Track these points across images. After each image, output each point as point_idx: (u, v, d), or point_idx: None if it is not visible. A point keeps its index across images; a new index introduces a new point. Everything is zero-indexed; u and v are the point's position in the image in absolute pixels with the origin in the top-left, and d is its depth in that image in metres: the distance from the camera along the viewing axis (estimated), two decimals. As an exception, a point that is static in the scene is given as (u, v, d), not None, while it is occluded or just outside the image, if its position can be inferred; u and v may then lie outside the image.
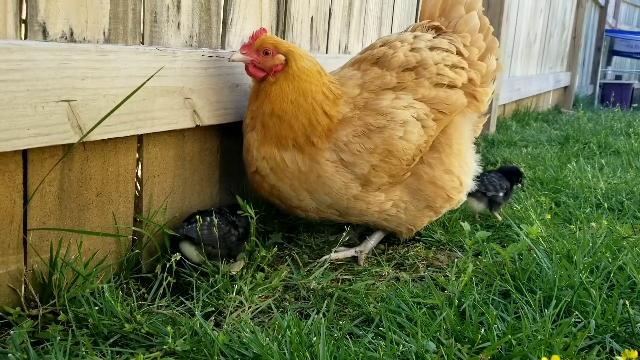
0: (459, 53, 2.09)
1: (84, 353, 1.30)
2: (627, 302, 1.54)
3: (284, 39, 2.33)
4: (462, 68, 2.07)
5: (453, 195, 2.07)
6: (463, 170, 2.09)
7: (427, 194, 2.03)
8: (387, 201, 1.99)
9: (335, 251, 2.06)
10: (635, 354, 1.26)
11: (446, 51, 2.06)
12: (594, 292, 1.64)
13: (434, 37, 2.10)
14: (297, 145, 1.86)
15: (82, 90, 1.44)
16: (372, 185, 1.94)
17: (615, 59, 13.40)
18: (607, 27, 11.58)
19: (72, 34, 1.45)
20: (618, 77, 13.61)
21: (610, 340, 1.48)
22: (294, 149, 1.87)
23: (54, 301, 1.49)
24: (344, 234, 2.07)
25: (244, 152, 1.95)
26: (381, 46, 2.06)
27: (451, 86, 2.03)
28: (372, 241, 2.14)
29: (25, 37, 1.37)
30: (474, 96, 2.11)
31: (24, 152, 1.42)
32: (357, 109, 1.93)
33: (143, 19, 1.66)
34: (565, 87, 9.35)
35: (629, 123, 6.24)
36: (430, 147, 2.01)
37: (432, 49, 2.04)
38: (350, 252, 2.08)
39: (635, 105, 10.90)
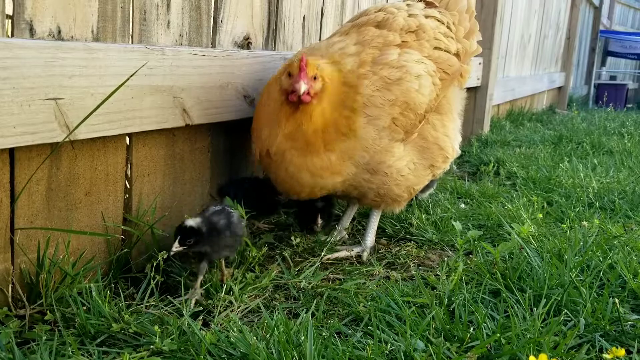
0: (448, 27, 2.19)
1: (70, 353, 1.29)
2: (617, 301, 1.54)
3: (275, 38, 2.33)
4: (453, 38, 2.18)
5: (450, 156, 2.17)
6: (456, 137, 2.21)
7: (432, 153, 2.10)
8: (404, 157, 2.01)
9: (336, 250, 2.09)
10: (622, 351, 1.26)
11: (438, 21, 2.16)
12: (584, 291, 1.64)
13: (425, 8, 2.20)
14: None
15: (70, 89, 1.43)
16: (393, 137, 1.96)
17: (609, 59, 13.44)
18: (601, 27, 11.61)
19: (59, 32, 1.44)
20: (612, 78, 13.64)
21: (600, 338, 1.48)
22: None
23: (41, 301, 1.48)
24: (335, 233, 2.07)
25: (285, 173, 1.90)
26: (377, 12, 2.12)
27: (446, 52, 2.14)
28: (370, 236, 2.16)
29: (12, 35, 1.36)
30: (460, 71, 2.20)
31: (11, 151, 1.41)
32: (367, 65, 1.92)
33: (132, 17, 1.65)
34: (560, 88, 9.36)
35: (623, 123, 6.26)
36: (434, 109, 2.10)
37: (427, 17, 2.13)
38: (352, 252, 2.08)
39: (629, 105, 10.94)
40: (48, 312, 1.45)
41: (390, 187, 2.03)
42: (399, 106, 1.93)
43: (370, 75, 1.91)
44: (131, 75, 1.56)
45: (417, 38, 2.07)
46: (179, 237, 1.61)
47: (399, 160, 1.99)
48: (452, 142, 2.17)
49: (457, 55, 2.18)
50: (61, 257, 1.55)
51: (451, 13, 2.24)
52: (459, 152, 2.29)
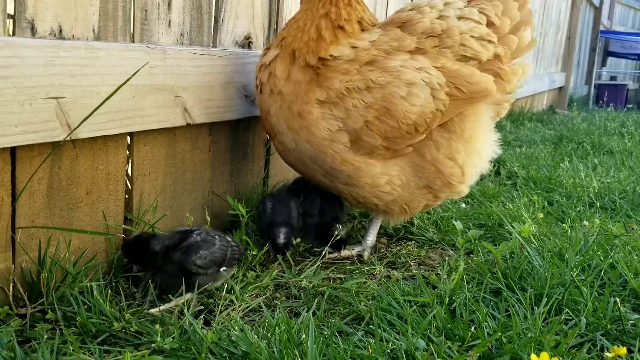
0: (490, 24, 1.92)
1: (71, 351, 1.29)
2: (618, 300, 1.54)
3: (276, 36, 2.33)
4: (490, 41, 1.91)
5: (453, 182, 1.95)
6: (469, 160, 1.95)
7: (428, 173, 1.93)
8: (382, 175, 1.89)
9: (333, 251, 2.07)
10: (624, 350, 1.26)
11: (476, 22, 1.91)
12: (585, 290, 1.64)
13: (465, 6, 1.95)
14: (303, 61, 1.83)
15: (71, 88, 1.43)
16: (363, 145, 1.84)
17: (610, 59, 13.44)
18: (601, 28, 11.61)
19: (61, 31, 1.44)
20: (613, 78, 13.64)
21: (601, 338, 1.48)
22: (300, 65, 1.83)
23: (42, 300, 1.48)
24: (335, 232, 2.07)
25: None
26: (410, 10, 1.94)
27: (475, 60, 1.90)
28: (371, 236, 2.14)
29: (14, 34, 1.36)
30: (499, 75, 1.93)
31: (12, 150, 1.41)
32: (358, 63, 1.82)
33: (133, 17, 1.65)
34: (560, 88, 9.37)
35: (623, 123, 6.26)
36: (441, 126, 1.90)
37: (460, 18, 1.90)
38: (353, 251, 2.09)
39: (629, 105, 10.94)
40: (49, 311, 1.45)
41: (368, 198, 1.96)
42: (376, 110, 1.81)
43: (352, 72, 1.82)
44: (133, 74, 1.56)
45: (439, 44, 1.87)
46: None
47: (374, 177, 1.90)
48: (457, 167, 1.93)
49: (496, 57, 1.92)
50: (62, 256, 1.55)
51: (493, 4, 1.94)
52: (472, 179, 2.03)
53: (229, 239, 1.72)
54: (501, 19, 1.93)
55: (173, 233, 1.68)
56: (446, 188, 1.98)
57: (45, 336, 1.32)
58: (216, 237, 1.67)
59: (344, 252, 2.06)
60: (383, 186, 1.92)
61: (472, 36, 1.89)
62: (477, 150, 1.97)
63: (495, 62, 1.93)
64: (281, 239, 1.90)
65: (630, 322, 1.54)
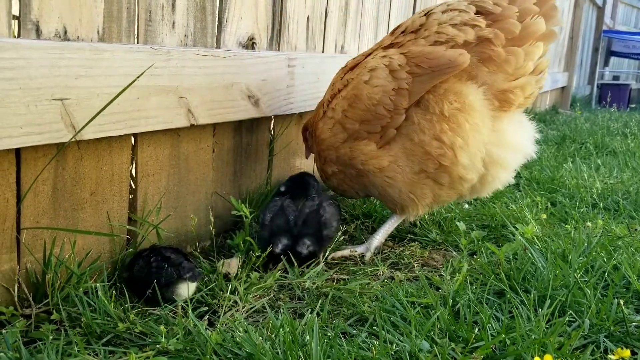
0: (484, 12, 1.92)
1: (77, 352, 1.29)
2: (621, 302, 1.54)
3: (279, 38, 2.33)
4: (474, 26, 1.90)
5: (444, 162, 1.93)
6: (458, 141, 1.91)
7: (418, 156, 1.96)
8: (384, 156, 1.99)
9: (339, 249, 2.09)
10: (628, 352, 1.26)
11: (460, 11, 1.93)
12: (589, 292, 1.64)
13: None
14: None
15: (76, 89, 1.43)
16: (350, 133, 2.04)
17: (613, 59, 13.42)
18: (604, 27, 11.59)
19: (65, 32, 1.45)
20: (616, 78, 13.62)
21: (605, 339, 1.48)
22: None
23: (47, 300, 1.48)
24: (339, 233, 2.07)
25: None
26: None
27: (450, 43, 1.90)
28: (378, 237, 2.13)
29: (19, 36, 1.36)
30: (490, 57, 1.90)
31: (17, 151, 1.41)
32: (344, 71, 2.12)
33: (137, 18, 1.66)
34: (563, 88, 9.36)
35: (626, 123, 6.25)
36: (421, 107, 1.93)
37: (444, 12, 1.96)
38: (356, 252, 2.09)
39: (632, 105, 10.93)
40: (54, 311, 1.45)
41: (383, 188, 2.05)
42: (348, 99, 2.02)
43: (337, 79, 2.12)
44: (139, 75, 1.56)
45: (415, 37, 1.96)
46: None
47: (378, 158, 2.01)
48: (446, 147, 1.91)
49: (484, 40, 1.89)
50: (67, 256, 1.56)
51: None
52: (469, 163, 1.94)
53: None
54: (502, 7, 1.91)
55: None
56: (442, 172, 1.97)
57: (51, 337, 1.33)
58: None
59: (346, 252, 2.06)
60: (387, 169, 2.00)
61: (451, 24, 1.92)
62: (467, 131, 1.91)
63: (484, 45, 1.91)
64: (279, 248, 1.91)
65: (634, 323, 1.54)
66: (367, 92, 1.97)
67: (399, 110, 1.94)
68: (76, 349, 1.30)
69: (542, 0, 1.93)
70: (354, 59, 2.15)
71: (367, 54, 2.08)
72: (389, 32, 2.13)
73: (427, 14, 1.99)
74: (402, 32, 2.03)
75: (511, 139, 2.00)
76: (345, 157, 2.08)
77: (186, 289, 1.60)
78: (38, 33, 1.39)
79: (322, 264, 1.93)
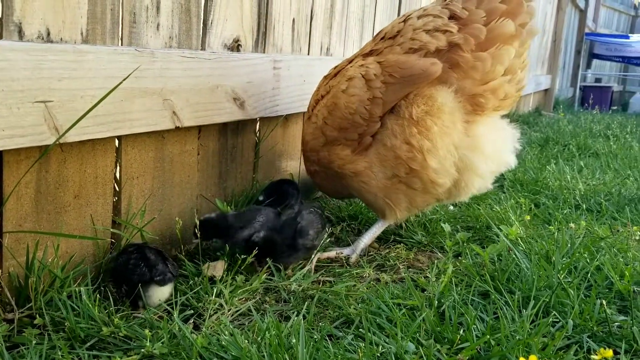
0: (455, 16, 1.91)
1: (60, 357, 1.28)
2: (604, 302, 1.56)
3: (265, 41, 2.33)
4: (446, 32, 1.90)
5: (414, 166, 1.93)
6: (427, 144, 1.91)
7: (390, 160, 1.97)
8: (359, 161, 2.03)
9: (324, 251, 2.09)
10: (610, 352, 1.28)
11: (434, 16, 1.93)
12: (572, 292, 1.66)
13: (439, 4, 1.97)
14: None
15: (59, 91, 1.42)
16: (330, 140, 2.10)
17: (595, 62, 13.57)
18: (587, 30, 11.72)
19: (49, 34, 1.43)
20: (598, 80, 13.77)
21: (588, 339, 1.50)
22: None
23: (30, 305, 1.47)
24: (325, 235, 2.07)
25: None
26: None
27: (423, 50, 1.91)
28: (364, 240, 2.13)
29: (1, 37, 1.35)
30: (458, 63, 1.90)
31: (-1, 154, 1.40)
32: (327, 78, 2.16)
33: (122, 20, 1.64)
34: (546, 90, 9.45)
35: (608, 125, 6.33)
36: (393, 113, 1.96)
37: (420, 17, 1.95)
38: (341, 252, 2.09)
39: (614, 107, 11.07)
40: (37, 316, 1.44)
41: (360, 191, 2.10)
42: (328, 107, 2.06)
43: (321, 86, 2.17)
44: (125, 78, 1.55)
45: (392, 43, 1.97)
46: None
47: (353, 163, 2.05)
48: (415, 151, 1.91)
49: (454, 45, 1.88)
50: (50, 260, 1.54)
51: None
52: (440, 166, 1.93)
53: None
54: (470, 11, 1.89)
55: None
56: (414, 177, 1.97)
57: (34, 341, 1.31)
58: None
59: (332, 253, 2.07)
60: (362, 174, 2.04)
61: (425, 30, 1.92)
62: (436, 134, 1.91)
63: (454, 51, 1.90)
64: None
65: (616, 323, 1.56)
66: (344, 102, 2.00)
67: (374, 118, 1.98)
68: (60, 353, 1.29)
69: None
70: (335, 67, 2.17)
71: (350, 60, 2.11)
72: (373, 36, 2.16)
73: (405, 19, 2.00)
74: (382, 37, 2.04)
75: (486, 144, 1.98)
76: (325, 160, 2.15)
77: (158, 291, 1.59)
78: (21, 34, 1.37)
79: (307, 267, 1.93)
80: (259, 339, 1.36)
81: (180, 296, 1.63)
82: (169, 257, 1.67)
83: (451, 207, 2.74)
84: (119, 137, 1.72)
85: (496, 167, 2.07)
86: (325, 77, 2.20)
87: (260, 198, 2.32)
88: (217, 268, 1.82)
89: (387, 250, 2.19)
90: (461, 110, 1.93)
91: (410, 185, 2.01)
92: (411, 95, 1.93)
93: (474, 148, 1.96)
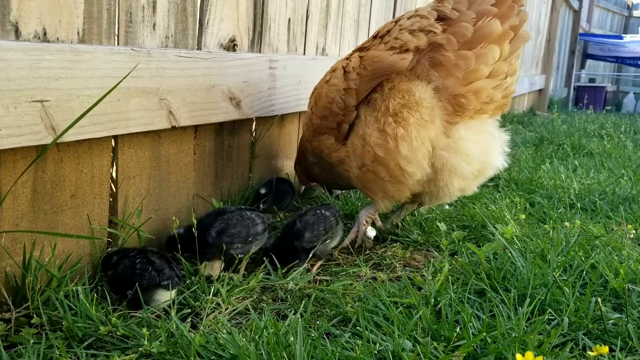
0: (440, 18, 1.91)
1: (58, 356, 1.28)
2: (599, 300, 1.57)
3: (261, 40, 2.34)
4: (429, 32, 1.91)
5: (379, 153, 1.95)
6: (400, 132, 1.92)
7: (359, 150, 2.01)
8: (342, 150, 2.14)
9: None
10: (606, 349, 1.29)
11: (421, 17, 1.94)
12: (567, 290, 1.67)
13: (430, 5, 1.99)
14: None
15: (56, 91, 1.42)
16: (315, 128, 2.21)
17: (589, 62, 13.62)
18: (580, 31, 11.77)
19: (45, 33, 1.43)
20: (592, 80, 13.82)
21: (583, 337, 1.51)
22: None
23: (27, 304, 1.47)
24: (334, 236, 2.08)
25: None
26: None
27: (403, 48, 1.94)
28: (365, 214, 2.20)
29: (-3, 37, 1.35)
30: (440, 62, 1.90)
31: (-4, 153, 1.40)
32: (327, 75, 2.21)
33: (118, 19, 1.65)
34: (540, 90, 9.48)
35: (602, 125, 6.36)
36: (367, 103, 2.01)
37: (410, 18, 1.98)
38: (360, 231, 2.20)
39: (608, 107, 11.11)
40: (34, 315, 1.44)
41: (348, 179, 2.19)
42: (315, 96, 2.20)
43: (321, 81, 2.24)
44: (123, 78, 1.55)
45: (380, 42, 2.01)
46: None
47: (337, 151, 2.16)
48: (394, 138, 1.92)
49: (436, 45, 1.90)
50: (47, 260, 1.54)
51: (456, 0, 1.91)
52: (410, 158, 1.93)
53: None
54: (460, 12, 1.90)
55: None
56: (379, 164, 1.97)
57: (31, 341, 1.32)
58: None
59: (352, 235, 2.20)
60: (345, 162, 2.13)
61: (409, 30, 1.94)
62: (411, 124, 1.92)
63: (436, 50, 1.91)
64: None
65: (611, 321, 1.57)
66: (325, 91, 2.12)
67: (350, 107, 2.05)
68: (57, 352, 1.29)
69: (501, 0, 1.88)
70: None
71: (348, 55, 2.17)
72: (369, 35, 2.22)
73: (397, 20, 2.04)
74: (375, 36, 2.08)
75: (466, 146, 1.97)
76: (317, 150, 2.25)
77: (165, 295, 1.59)
78: (17, 34, 1.37)
79: (304, 266, 1.93)
80: (257, 337, 1.37)
81: (177, 295, 1.63)
82: (172, 260, 1.67)
83: (447, 207, 2.75)
84: (116, 137, 1.73)
85: (479, 170, 2.04)
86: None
87: (262, 191, 2.40)
88: (214, 267, 1.82)
89: (384, 249, 2.20)
90: (442, 109, 1.93)
91: (377, 174, 2.01)
92: (386, 89, 1.96)
93: (454, 149, 1.95)
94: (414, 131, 1.91)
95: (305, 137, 2.33)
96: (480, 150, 1.99)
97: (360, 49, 2.11)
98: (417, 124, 1.91)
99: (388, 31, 2.02)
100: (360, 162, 2.02)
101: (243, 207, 1.99)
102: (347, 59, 2.10)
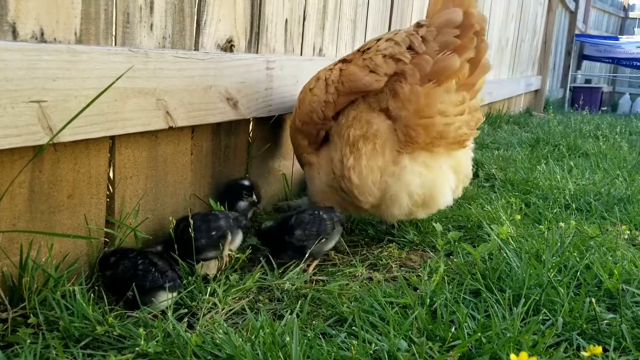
0: (411, 47, 1.94)
1: (55, 356, 1.28)
2: (593, 300, 1.58)
3: (258, 41, 2.34)
4: (399, 60, 1.95)
5: (342, 186, 2.07)
6: (351, 163, 2.02)
7: (330, 174, 2.16)
8: (313, 155, 2.27)
9: None
10: (599, 349, 1.30)
11: (395, 44, 1.97)
12: (562, 291, 1.68)
13: (407, 32, 2.00)
14: None
15: (53, 91, 1.43)
16: (298, 130, 2.28)
17: (585, 63, 13.66)
18: (577, 32, 11.81)
19: (42, 34, 1.44)
20: (588, 81, 13.86)
21: (577, 337, 1.52)
22: None
23: (24, 304, 1.47)
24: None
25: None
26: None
27: (372, 71, 1.99)
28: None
29: (-5, 37, 1.35)
30: (398, 93, 1.96)
31: (-7, 154, 1.40)
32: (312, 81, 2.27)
33: (115, 20, 1.65)
34: (536, 91, 9.51)
35: (598, 126, 6.38)
36: (341, 117, 2.12)
37: (387, 40, 2.01)
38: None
39: (604, 108, 11.15)
40: (31, 315, 1.44)
41: (308, 182, 2.35)
42: (300, 100, 2.27)
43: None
44: (119, 77, 1.55)
45: (360, 56, 2.06)
46: None
47: (307, 154, 2.29)
48: (347, 169, 2.03)
49: (400, 74, 1.95)
50: (44, 260, 1.55)
51: (428, 30, 1.92)
52: (358, 182, 2.03)
53: None
54: (426, 44, 1.92)
55: None
56: (343, 191, 2.11)
57: (28, 341, 1.32)
58: None
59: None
60: (313, 169, 2.25)
61: (383, 54, 1.99)
62: (363, 154, 2.01)
63: (398, 80, 1.97)
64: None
65: (605, 321, 1.58)
66: (309, 99, 2.18)
67: (328, 118, 2.15)
68: (54, 352, 1.30)
69: (464, 32, 1.89)
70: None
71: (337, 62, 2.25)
72: (365, 38, 2.29)
73: (379, 38, 2.08)
74: (358, 50, 2.14)
75: (407, 177, 2.01)
76: (295, 144, 2.36)
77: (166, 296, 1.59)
78: (14, 34, 1.37)
79: (300, 266, 1.94)
80: (253, 337, 1.37)
81: (175, 295, 1.63)
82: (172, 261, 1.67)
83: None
84: (113, 137, 1.73)
85: (422, 200, 2.07)
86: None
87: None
88: (211, 267, 1.82)
89: (380, 250, 2.20)
90: (395, 138, 2.00)
91: (343, 198, 2.15)
92: (351, 117, 2.08)
93: (397, 177, 2.02)
94: (364, 161, 2.01)
95: (290, 134, 2.41)
96: (420, 182, 2.02)
97: (343, 60, 2.16)
98: (369, 153, 2.01)
99: (368, 48, 2.07)
100: (330, 182, 2.16)
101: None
102: (331, 69, 2.16)
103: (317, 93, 2.15)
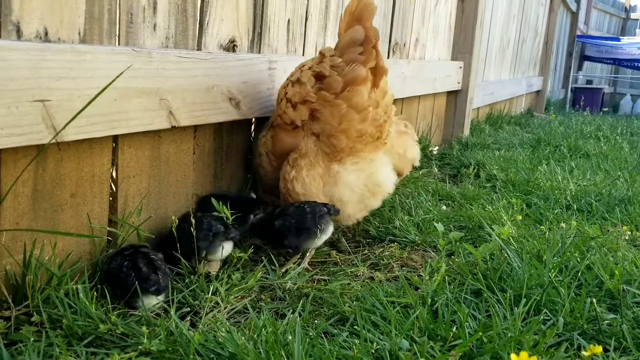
0: (318, 76, 2.09)
1: (58, 354, 1.29)
2: (594, 301, 1.59)
3: (260, 41, 2.35)
4: (306, 102, 2.10)
5: (287, 198, 2.19)
6: (293, 174, 2.18)
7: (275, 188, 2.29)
8: (261, 146, 2.31)
9: None
10: (600, 349, 1.30)
11: (301, 85, 2.11)
12: (563, 291, 1.69)
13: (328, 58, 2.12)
14: None
15: (57, 91, 1.43)
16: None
17: (586, 64, 13.67)
18: (578, 32, 11.81)
19: (46, 33, 1.44)
20: (589, 82, 13.87)
21: (578, 337, 1.53)
22: None
23: (27, 302, 1.48)
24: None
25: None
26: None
27: (294, 125, 2.15)
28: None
29: (-1, 37, 1.36)
30: (317, 117, 2.12)
31: (-3, 152, 1.41)
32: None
33: (119, 20, 1.66)
34: (538, 92, 9.51)
35: (599, 127, 6.38)
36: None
37: (293, 84, 2.14)
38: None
39: (605, 109, 11.16)
40: (34, 313, 1.45)
41: (255, 171, 2.42)
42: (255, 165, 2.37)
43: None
44: (118, 76, 1.56)
45: (282, 105, 2.18)
46: None
47: (260, 138, 2.34)
48: (290, 182, 2.15)
49: (314, 110, 2.11)
50: (47, 258, 1.55)
51: (331, 58, 2.07)
52: (301, 191, 2.15)
53: None
54: (337, 69, 2.06)
55: None
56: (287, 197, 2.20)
57: (32, 339, 1.32)
58: None
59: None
60: (262, 160, 2.31)
61: (292, 103, 2.12)
62: (303, 168, 2.15)
63: (315, 111, 2.11)
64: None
65: (606, 321, 1.59)
66: (261, 172, 2.31)
67: (274, 168, 2.25)
68: (58, 350, 1.30)
69: (366, 47, 2.04)
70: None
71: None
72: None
73: (302, 66, 2.17)
74: (290, 77, 2.20)
75: (344, 178, 2.13)
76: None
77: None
78: (19, 34, 1.38)
79: (302, 265, 1.95)
80: (255, 336, 1.38)
81: (176, 294, 1.64)
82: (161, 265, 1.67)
83: (444, 207, 2.76)
84: (116, 137, 1.74)
85: (369, 191, 2.19)
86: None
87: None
88: (213, 266, 1.83)
89: (381, 249, 2.21)
90: (321, 152, 2.14)
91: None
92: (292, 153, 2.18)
93: (334, 182, 2.13)
94: (304, 172, 2.13)
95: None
96: (355, 178, 2.15)
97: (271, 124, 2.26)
98: (308, 166, 2.13)
99: (286, 93, 2.14)
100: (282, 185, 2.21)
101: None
102: (264, 135, 2.26)
103: (264, 165, 2.26)
